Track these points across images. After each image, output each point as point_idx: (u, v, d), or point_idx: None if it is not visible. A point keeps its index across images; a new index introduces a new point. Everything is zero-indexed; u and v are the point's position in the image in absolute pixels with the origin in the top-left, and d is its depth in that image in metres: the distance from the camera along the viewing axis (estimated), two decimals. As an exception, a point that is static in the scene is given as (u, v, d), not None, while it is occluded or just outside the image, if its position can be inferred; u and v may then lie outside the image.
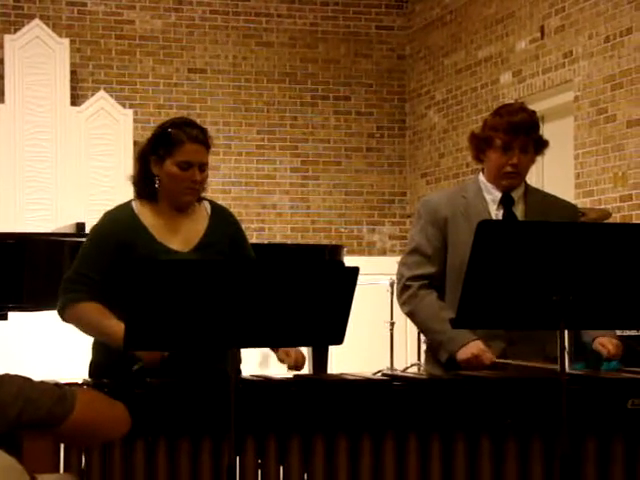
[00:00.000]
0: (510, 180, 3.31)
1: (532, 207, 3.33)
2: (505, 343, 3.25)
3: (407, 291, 3.32)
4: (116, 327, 2.90)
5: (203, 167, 3.12)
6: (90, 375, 3.13)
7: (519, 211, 3.33)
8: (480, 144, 3.32)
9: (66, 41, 8.65)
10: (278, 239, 9.20)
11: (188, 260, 3.02)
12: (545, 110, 7.82)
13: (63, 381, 2.55)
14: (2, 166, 8.43)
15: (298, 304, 2.59)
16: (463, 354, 3.18)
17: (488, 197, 3.34)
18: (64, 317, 3.12)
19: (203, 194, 3.23)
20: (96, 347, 3.18)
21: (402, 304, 3.36)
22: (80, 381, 2.84)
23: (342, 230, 9.48)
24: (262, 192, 9.34)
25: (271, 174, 9.38)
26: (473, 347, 3.17)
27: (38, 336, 7.35)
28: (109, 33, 9.04)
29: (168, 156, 3.09)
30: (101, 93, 8.73)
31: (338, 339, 2.70)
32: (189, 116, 9.10)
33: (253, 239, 9.12)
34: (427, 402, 2.85)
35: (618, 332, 4.97)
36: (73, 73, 8.74)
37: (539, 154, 3.38)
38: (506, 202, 3.33)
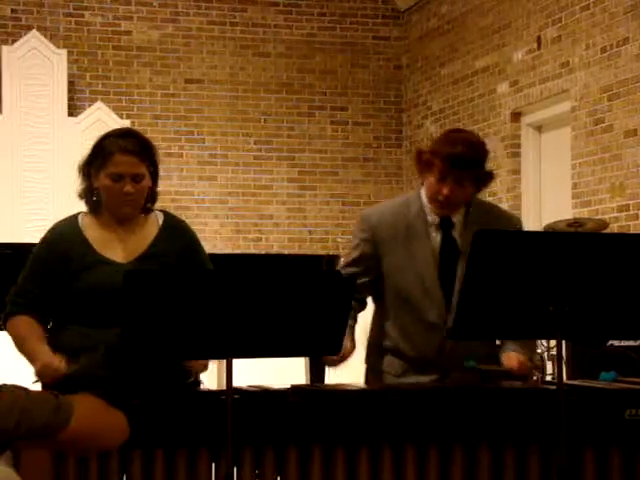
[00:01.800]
0: (440, 209, 3.19)
1: (471, 228, 3.12)
2: (439, 374, 3.18)
3: None
4: (32, 348, 2.98)
5: (137, 178, 3.05)
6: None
7: (458, 233, 3.22)
8: (421, 164, 3.19)
9: (63, 52, 8.66)
10: (275, 249, 9.20)
11: (185, 270, 3.02)
12: (542, 120, 7.83)
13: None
14: (0, 177, 8.43)
15: (295, 314, 2.59)
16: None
17: (429, 219, 3.22)
18: (7, 329, 3.14)
19: (154, 205, 3.16)
20: None
21: None
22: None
23: (339, 240, 9.48)
24: (259, 202, 9.34)
25: (268, 184, 9.38)
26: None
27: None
28: (106, 44, 9.05)
29: (101, 168, 3.07)
30: (98, 104, 8.74)
31: (335, 349, 2.71)
32: (186, 126, 9.13)
33: (250, 249, 9.12)
34: (425, 413, 2.85)
35: (616, 342, 4.93)
36: (70, 84, 8.75)
37: (482, 187, 3.21)
38: (445, 226, 3.22)
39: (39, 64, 8.53)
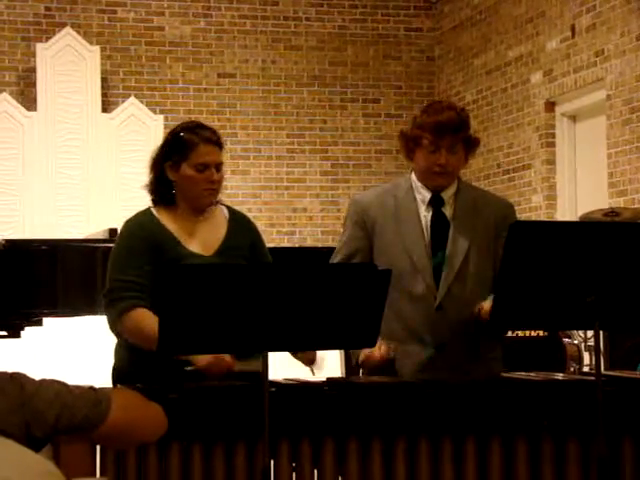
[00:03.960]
0: (438, 180, 3.21)
1: (462, 206, 3.23)
2: (434, 348, 3.15)
3: None
4: None
5: (219, 167, 3.14)
6: (113, 381, 3.12)
7: (448, 211, 3.23)
8: (408, 143, 3.22)
9: (97, 48, 8.71)
10: (309, 242, 9.20)
11: (223, 264, 3.03)
12: (577, 109, 7.77)
13: (98, 385, 2.56)
14: (35, 173, 8.49)
15: (331, 307, 2.59)
16: (361, 356, 3.14)
17: (418, 197, 3.24)
18: (117, 329, 3.06)
19: (219, 197, 3.23)
20: (119, 353, 3.17)
21: None
22: (115, 385, 2.85)
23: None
24: (292, 196, 9.35)
25: (301, 178, 9.39)
26: (364, 351, 3.11)
27: (73, 341, 7.39)
28: (139, 40, 9.09)
29: (183, 160, 3.11)
30: (132, 99, 8.78)
31: (371, 341, 2.70)
32: (219, 121, 9.15)
33: (284, 243, 9.13)
34: (462, 405, 2.84)
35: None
36: (104, 80, 8.79)
37: (470, 153, 3.26)
38: (435, 203, 3.24)
39: (73, 61, 8.58)
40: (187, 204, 3.15)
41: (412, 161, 3.27)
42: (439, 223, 3.22)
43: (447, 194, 3.25)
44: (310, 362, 3.09)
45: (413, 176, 3.28)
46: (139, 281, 3.04)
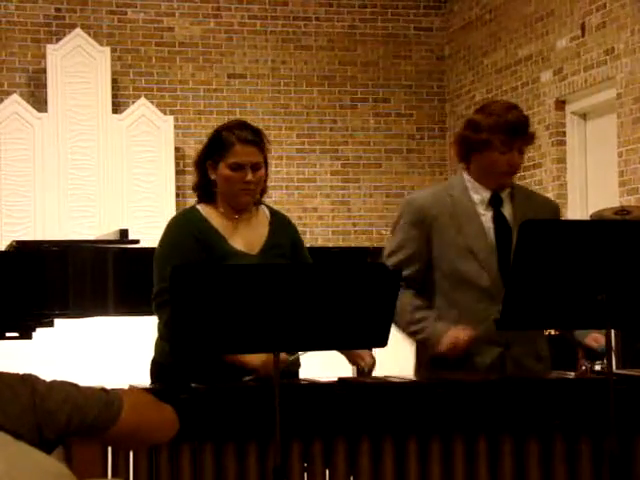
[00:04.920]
0: (507, 179, 3.24)
1: (518, 206, 3.25)
2: (502, 347, 3.18)
3: None
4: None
5: (256, 167, 3.14)
6: (151, 374, 3.15)
7: (507, 211, 3.25)
8: (473, 146, 3.22)
9: (107, 49, 8.72)
10: (320, 242, 9.20)
11: (232, 265, 3.03)
12: (587, 108, 7.75)
13: (109, 387, 2.56)
14: (46, 175, 8.52)
15: (341, 307, 2.59)
16: (443, 345, 3.12)
17: (475, 197, 3.25)
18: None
19: (263, 196, 3.25)
20: (159, 346, 3.17)
21: None
22: (126, 387, 2.86)
23: (383, 232, 9.46)
24: (303, 196, 9.35)
25: (311, 177, 9.39)
26: (449, 334, 3.11)
27: (84, 342, 7.40)
28: (149, 40, 9.10)
29: (221, 159, 3.14)
30: (142, 100, 8.79)
31: (382, 341, 2.70)
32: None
33: (295, 243, 9.12)
34: (474, 404, 2.84)
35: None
36: (114, 81, 8.81)
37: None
38: (495, 202, 3.25)
39: (83, 62, 8.60)
40: (227, 203, 3.18)
41: (468, 163, 3.28)
42: (501, 222, 3.23)
43: (504, 194, 3.28)
44: (369, 365, 3.09)
45: (466, 176, 3.29)
46: None
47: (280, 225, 3.27)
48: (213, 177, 3.17)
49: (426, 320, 3.18)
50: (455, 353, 3.11)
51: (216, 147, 3.16)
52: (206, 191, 3.20)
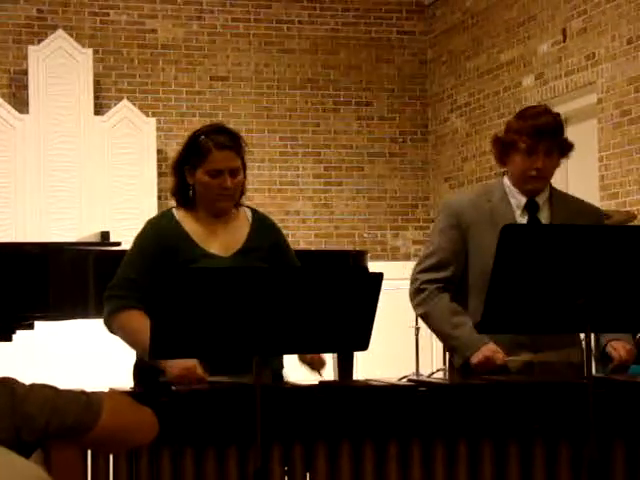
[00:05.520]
0: (534, 184, 3.26)
1: (557, 213, 3.29)
2: (532, 352, 3.22)
3: (422, 294, 3.30)
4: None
5: (234, 173, 3.13)
6: (134, 378, 3.15)
7: (544, 217, 3.28)
8: (504, 148, 3.27)
9: (89, 51, 8.70)
10: (302, 245, 9.20)
11: (212, 268, 3.02)
12: (568, 113, 7.78)
13: (89, 389, 2.56)
14: (27, 176, 8.48)
15: (323, 310, 2.59)
16: (475, 358, 3.16)
17: (513, 202, 3.29)
18: (109, 325, 3.10)
19: (243, 199, 3.24)
20: None
21: (416, 305, 3.35)
22: (106, 389, 2.85)
23: (365, 236, 9.47)
24: (285, 199, 9.35)
25: (294, 180, 9.39)
26: (484, 350, 3.16)
27: (64, 345, 7.38)
28: (131, 42, 9.08)
29: (198, 165, 3.12)
30: (124, 102, 8.77)
31: (363, 345, 2.70)
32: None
33: (277, 246, 9.11)
34: (453, 408, 2.84)
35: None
36: (96, 83, 8.79)
37: (564, 157, 3.32)
38: (531, 208, 3.28)
39: (65, 63, 8.57)
40: (205, 208, 3.17)
41: (504, 165, 3.31)
42: None
43: (541, 199, 3.30)
44: (319, 367, 3.09)
45: (506, 180, 3.32)
46: (140, 282, 3.05)
47: (261, 228, 3.25)
48: (191, 182, 3.16)
49: (462, 327, 3.20)
50: (484, 370, 3.14)
51: (193, 153, 3.14)
52: (184, 195, 3.19)
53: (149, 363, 2.92)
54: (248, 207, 3.30)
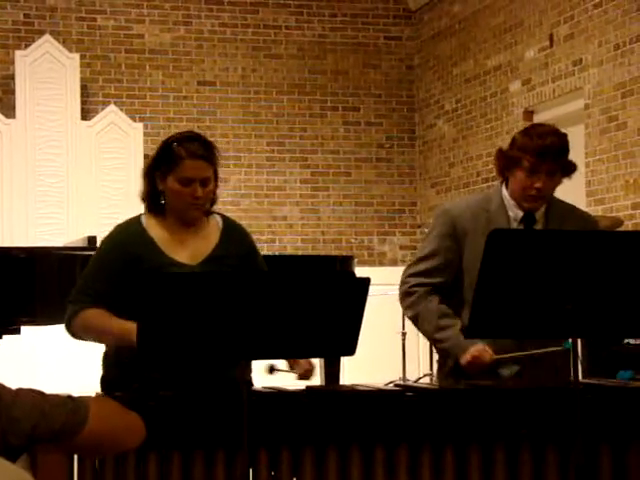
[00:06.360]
0: (532, 203, 3.26)
1: (552, 223, 3.29)
2: (519, 366, 3.22)
3: (411, 297, 3.30)
4: (121, 325, 2.92)
5: (205, 182, 3.09)
6: (102, 390, 3.12)
7: (539, 228, 3.28)
8: (507, 162, 3.26)
9: (76, 56, 8.68)
10: (289, 250, 9.20)
11: (199, 272, 3.03)
12: (555, 118, 7.80)
13: (76, 394, 2.55)
14: (14, 181, 8.46)
15: (310, 315, 2.59)
16: (464, 359, 3.17)
17: (510, 214, 3.29)
18: (70, 330, 3.11)
19: (214, 207, 3.22)
20: (106, 362, 3.17)
21: (405, 308, 3.35)
22: (93, 394, 2.84)
23: (352, 241, 9.47)
24: (272, 204, 9.35)
25: (281, 186, 9.39)
26: (472, 350, 3.16)
27: (51, 350, 7.35)
28: (119, 47, 9.07)
29: (170, 172, 3.09)
30: (111, 107, 8.76)
31: (350, 350, 2.70)
32: (199, 129, 9.12)
33: (264, 251, 9.10)
34: (440, 413, 2.84)
35: (632, 341, 4.95)
36: (83, 88, 8.77)
37: (566, 177, 3.31)
38: (527, 221, 3.28)
39: (52, 68, 8.56)
40: (175, 215, 3.15)
41: (505, 179, 3.30)
42: None
43: (538, 213, 3.30)
44: (306, 376, 3.09)
45: (504, 191, 3.31)
46: (101, 290, 3.06)
47: (232, 235, 3.22)
48: (161, 188, 3.13)
49: (451, 329, 3.21)
50: (474, 370, 3.15)
51: (166, 159, 3.11)
52: (154, 201, 3.16)
53: (121, 372, 2.92)
54: (219, 214, 3.27)
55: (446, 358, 3.29)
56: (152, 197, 3.16)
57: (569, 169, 3.29)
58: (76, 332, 3.10)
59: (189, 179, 3.07)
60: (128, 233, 3.14)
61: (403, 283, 3.34)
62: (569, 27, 7.38)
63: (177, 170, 3.07)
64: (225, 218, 3.27)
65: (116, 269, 3.07)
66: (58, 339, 6.69)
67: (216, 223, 3.23)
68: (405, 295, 3.33)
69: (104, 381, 3.16)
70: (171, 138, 3.16)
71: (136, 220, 3.19)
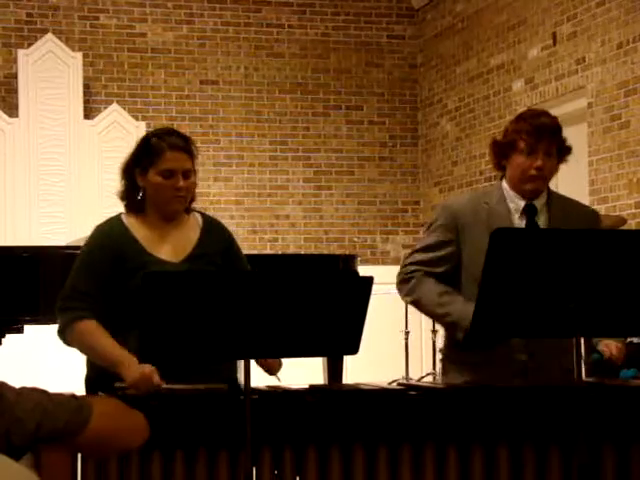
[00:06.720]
0: (534, 184, 3.25)
1: (555, 216, 3.28)
2: (526, 356, 3.22)
3: (409, 282, 3.29)
4: (112, 353, 2.93)
5: (187, 174, 3.10)
6: (86, 391, 3.11)
7: (542, 221, 3.27)
8: (503, 149, 3.26)
9: (79, 55, 8.69)
10: (292, 249, 9.20)
11: (202, 271, 3.03)
12: (558, 117, 7.78)
13: (79, 393, 2.55)
14: (16, 180, 8.46)
15: (313, 314, 2.59)
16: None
17: (511, 205, 3.28)
18: (65, 340, 3.08)
19: (193, 205, 3.22)
20: (90, 362, 3.16)
21: (405, 295, 3.34)
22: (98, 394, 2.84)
23: (355, 240, 9.47)
24: (275, 202, 9.35)
25: (284, 184, 9.39)
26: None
27: (54, 349, 7.35)
28: (121, 46, 9.07)
29: (151, 166, 3.09)
30: (114, 106, 8.76)
31: (353, 349, 2.70)
32: (201, 127, 9.15)
33: (267, 250, 9.12)
34: (443, 412, 2.84)
35: (636, 339, 4.93)
36: (86, 87, 8.78)
37: (562, 161, 3.31)
38: (529, 212, 3.27)
39: (55, 67, 8.56)
40: (156, 211, 3.14)
41: (502, 170, 3.31)
42: None
43: (539, 203, 3.29)
44: (273, 371, 3.07)
45: (504, 184, 3.31)
46: (91, 292, 3.05)
47: (212, 232, 3.21)
48: (142, 184, 3.13)
49: (453, 304, 3.19)
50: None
51: (146, 154, 3.11)
52: (134, 200, 3.15)
53: (104, 371, 2.92)
54: (199, 212, 3.26)
55: (454, 332, 3.27)
56: (132, 195, 3.16)
57: (564, 150, 3.29)
58: (71, 342, 3.09)
59: (171, 171, 3.08)
60: (111, 233, 3.14)
61: (401, 272, 3.34)
62: (572, 26, 7.38)
63: (158, 163, 3.08)
64: (205, 216, 3.27)
65: (103, 270, 3.07)
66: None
67: (196, 220, 3.22)
68: (403, 283, 3.32)
69: (88, 380, 3.15)
70: (149, 134, 3.18)
71: (117, 219, 3.18)
